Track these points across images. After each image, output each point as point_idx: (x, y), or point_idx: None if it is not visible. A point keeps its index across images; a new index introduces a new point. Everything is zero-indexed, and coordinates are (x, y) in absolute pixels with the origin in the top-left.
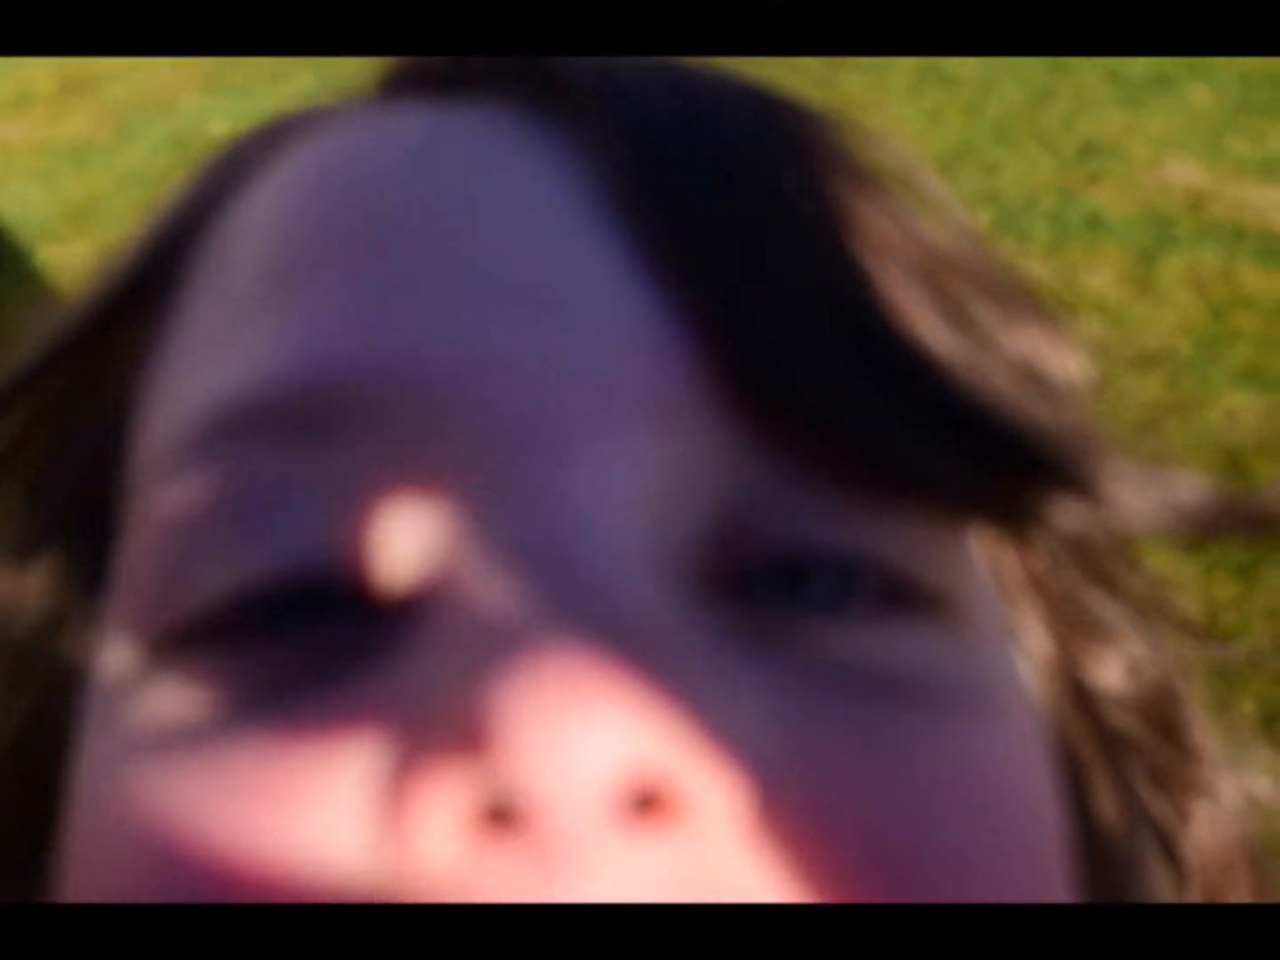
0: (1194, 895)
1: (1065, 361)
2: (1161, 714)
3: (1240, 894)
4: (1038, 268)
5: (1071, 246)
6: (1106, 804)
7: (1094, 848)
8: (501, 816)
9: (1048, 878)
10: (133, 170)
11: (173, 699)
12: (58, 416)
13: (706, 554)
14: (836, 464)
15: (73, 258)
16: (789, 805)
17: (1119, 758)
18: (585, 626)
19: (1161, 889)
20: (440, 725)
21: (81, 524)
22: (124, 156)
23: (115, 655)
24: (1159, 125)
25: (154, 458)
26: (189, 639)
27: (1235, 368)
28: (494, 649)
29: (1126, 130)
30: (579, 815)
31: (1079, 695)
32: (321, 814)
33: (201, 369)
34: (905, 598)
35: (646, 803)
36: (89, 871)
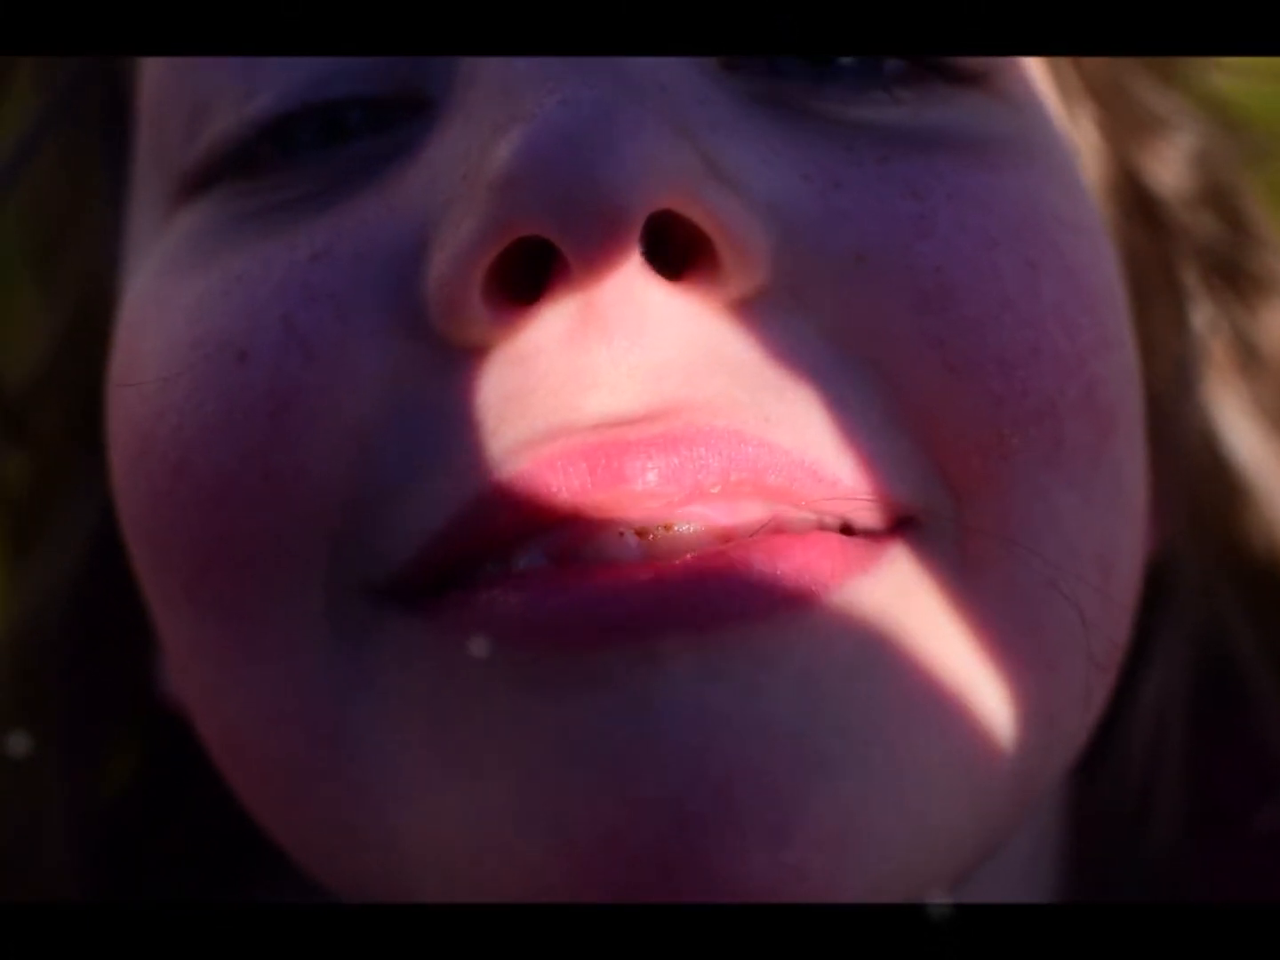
0: (1271, 389)
1: None
2: (1227, 205)
3: None
4: None
5: None
6: (1165, 316)
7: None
8: (538, 272)
9: (1105, 339)
10: None
11: (190, 230)
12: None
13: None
14: None
15: None
16: (828, 256)
17: (1183, 265)
18: (611, 82)
19: (1225, 401)
20: (466, 193)
21: (92, 101)
22: None
23: (142, 217)
24: None
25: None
26: (206, 178)
27: None
28: (521, 107)
29: None
30: (617, 250)
31: (1139, 201)
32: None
33: None
34: (937, 72)
35: (684, 255)
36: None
